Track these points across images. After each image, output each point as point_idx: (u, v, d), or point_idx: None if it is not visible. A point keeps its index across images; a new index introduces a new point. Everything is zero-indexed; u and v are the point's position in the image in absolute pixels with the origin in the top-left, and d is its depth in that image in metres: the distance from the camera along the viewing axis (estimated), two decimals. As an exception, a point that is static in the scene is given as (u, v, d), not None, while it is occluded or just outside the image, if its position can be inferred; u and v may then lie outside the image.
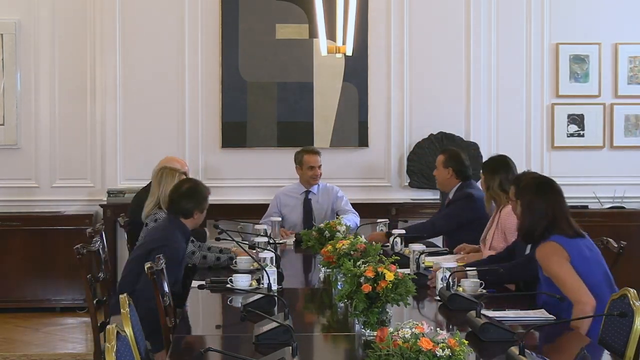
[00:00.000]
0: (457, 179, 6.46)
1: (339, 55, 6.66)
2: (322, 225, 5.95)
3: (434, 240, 6.86)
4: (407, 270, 4.76)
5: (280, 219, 6.78)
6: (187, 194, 5.27)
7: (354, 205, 7.30)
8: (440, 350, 2.88)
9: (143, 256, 5.02)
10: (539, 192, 4.51)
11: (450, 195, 6.47)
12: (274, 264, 4.88)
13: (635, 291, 3.86)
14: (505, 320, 3.90)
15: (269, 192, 7.51)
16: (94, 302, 5.11)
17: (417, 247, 5.31)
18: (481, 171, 5.97)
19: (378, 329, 3.15)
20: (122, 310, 3.73)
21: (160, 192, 5.73)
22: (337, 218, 6.35)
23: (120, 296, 3.83)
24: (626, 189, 8.42)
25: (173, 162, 6.58)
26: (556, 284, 4.27)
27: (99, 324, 5.11)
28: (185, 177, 5.97)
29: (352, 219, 6.98)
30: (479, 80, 8.46)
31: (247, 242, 5.98)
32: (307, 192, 7.12)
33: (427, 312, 4.39)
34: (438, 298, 4.48)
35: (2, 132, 8.31)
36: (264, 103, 8.37)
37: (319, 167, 7.12)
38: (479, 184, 6.24)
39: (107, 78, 8.33)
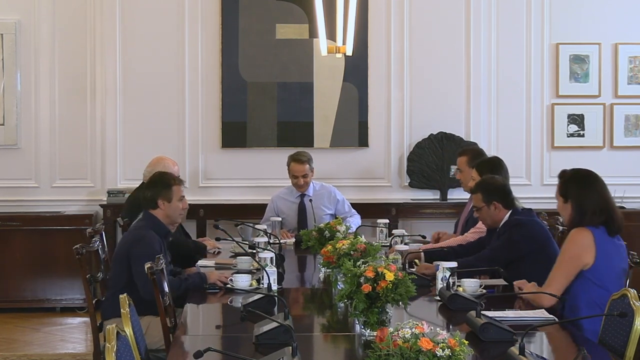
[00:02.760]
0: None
1: (339, 55, 6.66)
2: (322, 225, 5.95)
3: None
4: None
5: (280, 219, 6.78)
6: (149, 183, 5.22)
7: (354, 206, 7.30)
8: (440, 350, 2.88)
9: (120, 260, 5.00)
10: (586, 185, 4.44)
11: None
12: (277, 264, 4.88)
13: (635, 291, 3.86)
14: (505, 320, 3.90)
15: (269, 192, 7.50)
16: (94, 302, 5.11)
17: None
18: (475, 170, 5.94)
19: (378, 329, 3.15)
20: (122, 310, 3.73)
21: None
22: (336, 218, 6.33)
23: (121, 296, 3.83)
24: (626, 189, 8.41)
25: (164, 161, 6.57)
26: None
27: (98, 324, 5.10)
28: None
29: (356, 222, 6.98)
30: (479, 80, 8.46)
31: (247, 242, 5.99)
32: (302, 196, 7.09)
33: (427, 312, 4.39)
34: (438, 298, 4.48)
35: (2, 132, 8.31)
36: (264, 103, 8.37)
37: (304, 176, 7.01)
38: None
39: (107, 78, 8.33)
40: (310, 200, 7.00)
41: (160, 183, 5.18)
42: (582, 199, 4.38)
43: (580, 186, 4.43)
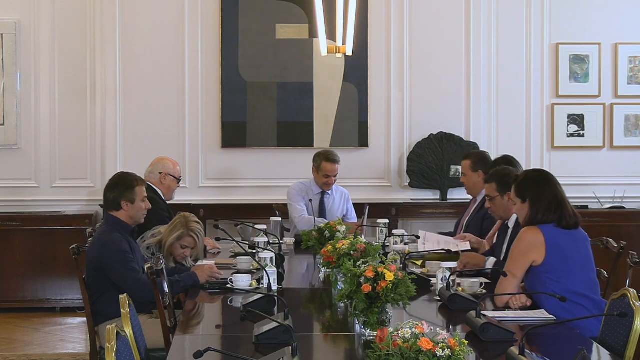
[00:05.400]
0: None
1: (339, 55, 6.67)
2: (322, 225, 5.96)
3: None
4: None
5: (280, 219, 6.77)
6: (111, 185, 5.15)
7: (354, 206, 7.32)
8: (440, 350, 2.88)
9: (93, 267, 4.97)
10: (541, 183, 4.52)
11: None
12: (277, 264, 4.88)
13: (635, 291, 3.87)
14: (505, 320, 3.90)
15: (269, 192, 7.51)
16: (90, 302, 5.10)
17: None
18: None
19: (378, 329, 3.15)
20: (122, 310, 3.73)
21: (165, 236, 5.53)
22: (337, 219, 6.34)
23: (121, 296, 3.83)
24: (626, 189, 8.42)
25: (165, 161, 6.57)
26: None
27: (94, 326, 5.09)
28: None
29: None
30: (479, 80, 8.46)
31: (247, 242, 5.99)
32: (323, 193, 7.15)
33: (427, 312, 4.39)
34: (438, 298, 4.48)
35: (2, 132, 8.31)
36: (264, 103, 8.37)
37: (335, 175, 7.14)
38: None
39: (107, 78, 8.33)
40: (323, 199, 7.08)
41: (123, 184, 5.12)
42: (538, 197, 4.45)
43: (535, 185, 4.51)
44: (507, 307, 4.29)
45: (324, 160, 7.12)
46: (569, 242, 4.40)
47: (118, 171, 8.16)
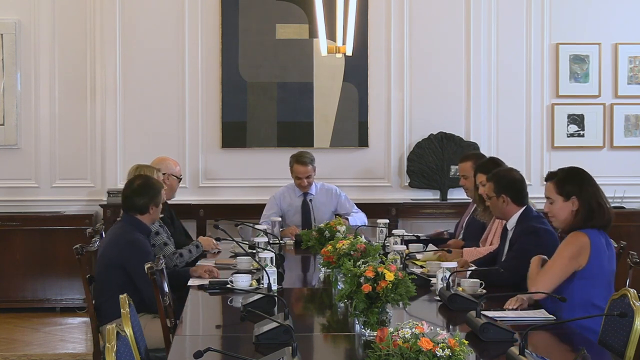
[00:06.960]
0: None
1: (339, 55, 6.67)
2: (322, 225, 5.96)
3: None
4: None
5: (280, 218, 6.77)
6: (140, 190, 5.25)
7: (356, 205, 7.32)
8: (440, 350, 2.88)
9: (113, 265, 4.99)
10: (589, 182, 4.42)
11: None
12: (277, 264, 4.88)
13: (635, 291, 3.86)
14: (505, 320, 3.90)
15: (269, 192, 7.49)
16: (93, 302, 5.10)
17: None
18: (480, 174, 5.87)
19: (378, 329, 3.15)
20: (122, 310, 3.73)
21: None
22: (336, 218, 6.32)
23: (121, 296, 3.83)
24: (626, 189, 8.42)
25: (166, 161, 6.59)
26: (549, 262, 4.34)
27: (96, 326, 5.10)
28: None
29: (360, 218, 6.99)
30: (479, 80, 8.46)
31: (247, 242, 5.99)
32: (305, 194, 7.11)
33: (427, 312, 4.39)
34: (438, 298, 4.48)
35: (2, 132, 8.31)
36: (264, 103, 8.37)
37: (307, 177, 7.04)
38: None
39: (107, 78, 8.33)
40: (311, 200, 7.03)
41: (152, 190, 5.27)
42: (589, 195, 4.34)
43: (584, 183, 4.40)
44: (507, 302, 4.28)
45: (295, 162, 7.08)
46: (606, 254, 4.31)
47: (118, 172, 8.27)
